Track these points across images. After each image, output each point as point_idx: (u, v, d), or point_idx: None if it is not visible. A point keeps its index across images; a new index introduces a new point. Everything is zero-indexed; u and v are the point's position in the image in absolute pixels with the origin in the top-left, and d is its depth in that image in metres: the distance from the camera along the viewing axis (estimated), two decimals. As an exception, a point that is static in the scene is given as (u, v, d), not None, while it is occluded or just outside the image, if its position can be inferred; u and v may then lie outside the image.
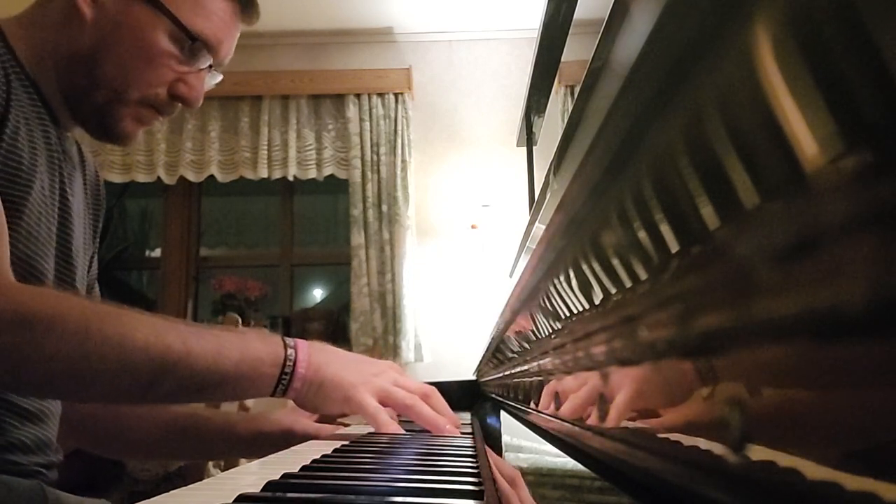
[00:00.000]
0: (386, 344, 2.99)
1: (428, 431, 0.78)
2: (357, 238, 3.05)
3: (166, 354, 0.62)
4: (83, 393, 0.67)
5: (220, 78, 0.87)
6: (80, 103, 0.79)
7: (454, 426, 0.76)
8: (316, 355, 0.72)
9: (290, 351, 0.70)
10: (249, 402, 2.14)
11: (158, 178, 3.14)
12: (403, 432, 0.74)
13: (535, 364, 0.54)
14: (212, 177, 3.17)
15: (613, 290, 0.26)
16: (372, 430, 0.78)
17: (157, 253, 3.42)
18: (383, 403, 0.75)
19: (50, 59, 0.76)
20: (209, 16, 0.79)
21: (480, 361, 1.35)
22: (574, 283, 0.32)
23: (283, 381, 0.70)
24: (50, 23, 0.77)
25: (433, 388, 0.80)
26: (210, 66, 0.82)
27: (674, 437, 0.20)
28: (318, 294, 3.96)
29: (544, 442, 0.47)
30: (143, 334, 0.62)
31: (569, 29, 1.04)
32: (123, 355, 0.61)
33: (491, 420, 1.18)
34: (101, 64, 0.76)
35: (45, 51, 0.76)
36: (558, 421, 0.40)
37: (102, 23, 0.76)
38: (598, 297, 0.28)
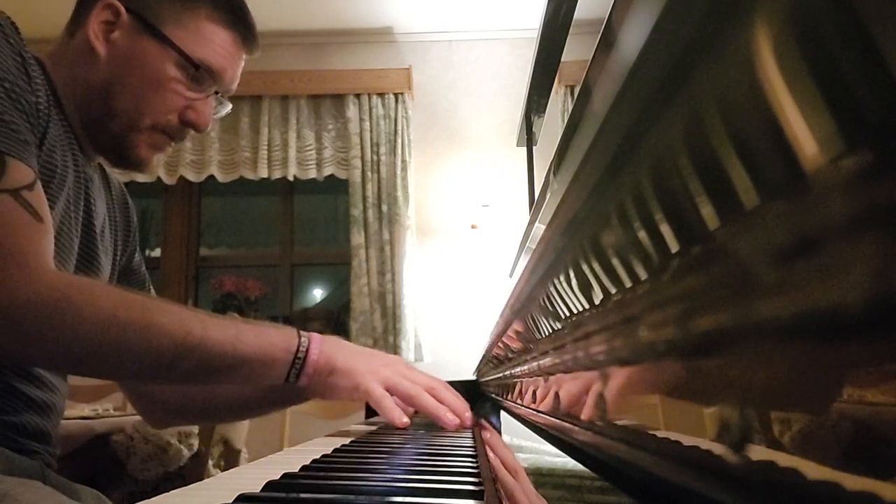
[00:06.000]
0: (386, 344, 2.99)
1: (432, 428, 0.79)
2: (357, 238, 3.05)
3: (186, 338, 0.68)
4: (110, 371, 0.74)
5: (229, 107, 0.95)
6: (99, 133, 0.84)
7: (460, 418, 0.80)
8: (328, 345, 0.78)
9: (303, 339, 0.77)
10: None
11: (158, 178, 3.14)
12: (406, 420, 0.77)
13: (535, 364, 0.54)
14: (212, 177, 3.17)
15: (613, 290, 0.26)
16: (372, 431, 0.78)
17: (157, 253, 3.42)
18: (389, 393, 0.79)
19: (71, 93, 0.82)
20: (211, 45, 0.86)
21: (480, 361, 1.35)
22: (574, 283, 0.32)
23: (296, 367, 0.75)
24: (70, 59, 0.83)
25: (443, 382, 0.84)
26: (217, 93, 0.89)
27: (674, 437, 0.20)
28: (318, 294, 3.96)
29: (544, 442, 0.47)
30: (167, 319, 0.68)
31: (569, 29, 1.04)
32: (147, 338, 0.67)
33: (491, 420, 1.18)
34: (115, 95, 0.82)
35: (67, 85, 0.82)
36: (558, 421, 0.40)
37: (115, 58, 0.82)
38: (597, 297, 0.28)
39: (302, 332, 0.77)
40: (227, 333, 0.71)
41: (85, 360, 0.67)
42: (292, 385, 0.76)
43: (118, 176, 0.98)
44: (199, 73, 0.85)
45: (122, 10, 0.82)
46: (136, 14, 0.83)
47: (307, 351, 0.76)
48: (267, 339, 0.74)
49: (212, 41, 0.86)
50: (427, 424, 0.87)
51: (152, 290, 1.04)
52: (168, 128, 0.86)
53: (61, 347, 0.64)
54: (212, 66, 0.86)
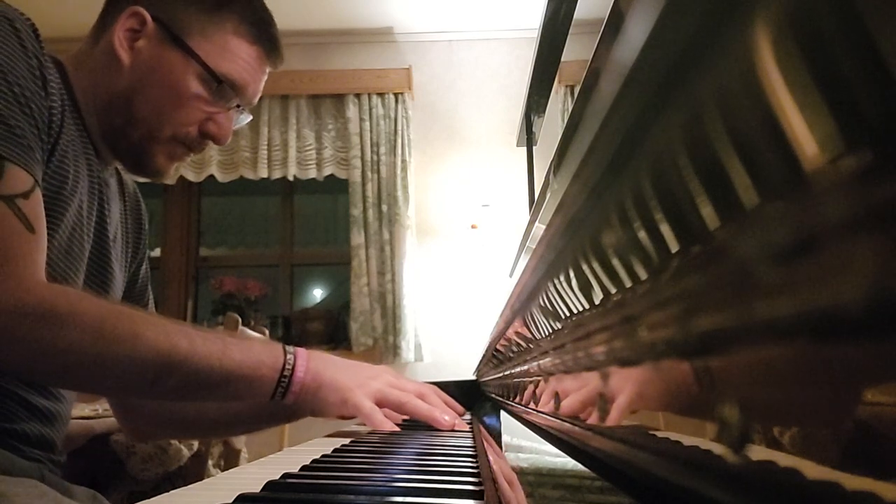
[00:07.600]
0: (386, 344, 2.99)
1: (430, 429, 0.79)
2: (357, 238, 3.04)
3: (172, 353, 0.67)
4: (93, 385, 0.72)
5: (249, 118, 0.94)
6: (118, 140, 0.84)
7: (454, 418, 0.80)
8: (314, 361, 0.77)
9: (289, 356, 0.75)
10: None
11: (158, 177, 3.14)
12: (397, 430, 0.77)
13: (535, 364, 0.54)
14: (212, 177, 3.17)
15: (613, 290, 0.26)
16: (371, 431, 0.78)
17: (157, 253, 3.42)
18: (380, 404, 0.79)
19: (93, 98, 0.82)
20: (235, 59, 0.85)
21: (480, 361, 1.35)
22: (574, 283, 0.32)
23: (283, 384, 0.74)
24: (94, 65, 0.82)
25: (432, 386, 0.84)
26: (238, 106, 0.88)
27: (674, 437, 0.20)
28: (318, 294, 3.96)
29: (544, 442, 0.47)
30: (153, 333, 0.67)
31: (569, 29, 1.04)
32: (133, 352, 0.65)
33: (491, 420, 1.18)
34: (137, 105, 0.82)
35: (89, 90, 0.82)
36: (558, 421, 0.40)
37: (138, 67, 0.82)
38: (597, 297, 0.28)
39: (288, 349, 0.76)
40: (213, 349, 0.70)
41: (69, 372, 0.65)
42: (278, 402, 0.75)
43: (128, 176, 0.97)
44: (222, 87, 0.84)
45: (149, 18, 0.82)
46: (162, 24, 0.82)
47: (293, 368, 0.75)
48: (254, 355, 0.73)
49: (236, 55, 0.85)
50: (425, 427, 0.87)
51: (151, 302, 1.03)
52: (187, 139, 0.85)
53: (46, 358, 0.63)
54: (235, 80, 0.85)
